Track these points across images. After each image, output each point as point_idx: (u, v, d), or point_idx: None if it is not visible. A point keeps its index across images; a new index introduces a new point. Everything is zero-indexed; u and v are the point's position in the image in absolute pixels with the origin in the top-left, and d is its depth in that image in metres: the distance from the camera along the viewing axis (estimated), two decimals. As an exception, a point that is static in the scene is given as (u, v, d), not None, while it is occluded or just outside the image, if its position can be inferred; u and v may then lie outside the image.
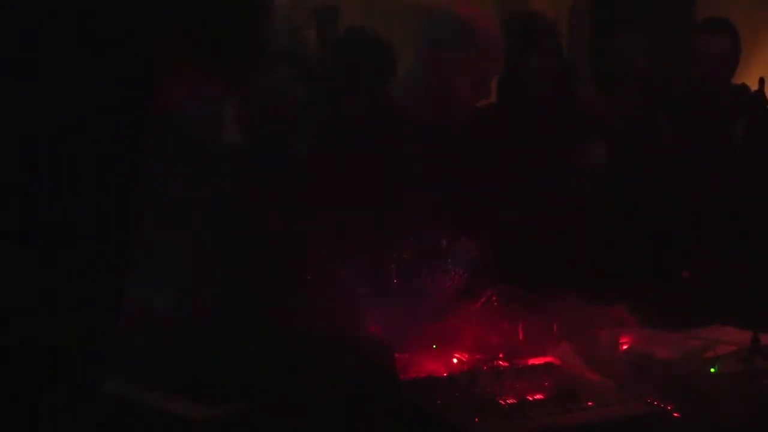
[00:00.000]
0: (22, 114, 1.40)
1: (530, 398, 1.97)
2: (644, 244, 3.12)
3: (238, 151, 2.96)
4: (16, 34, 1.43)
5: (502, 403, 1.93)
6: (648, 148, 3.39)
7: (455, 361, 2.16)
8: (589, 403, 1.94)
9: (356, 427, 1.84)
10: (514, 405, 1.93)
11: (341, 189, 2.43)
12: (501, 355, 2.17)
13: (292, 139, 2.90)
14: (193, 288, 2.17)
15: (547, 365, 2.14)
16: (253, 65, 1.69)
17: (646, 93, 3.49)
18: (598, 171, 3.18)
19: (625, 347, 2.32)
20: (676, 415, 1.93)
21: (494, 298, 2.26)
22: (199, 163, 2.54)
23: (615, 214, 3.10)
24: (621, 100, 3.55)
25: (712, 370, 2.17)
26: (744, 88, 3.65)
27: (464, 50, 2.52)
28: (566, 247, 2.79)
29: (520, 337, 2.25)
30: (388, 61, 3.34)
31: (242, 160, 2.85)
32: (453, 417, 1.87)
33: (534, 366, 2.13)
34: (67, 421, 1.44)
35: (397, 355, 2.11)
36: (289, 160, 2.80)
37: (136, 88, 1.46)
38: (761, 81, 3.62)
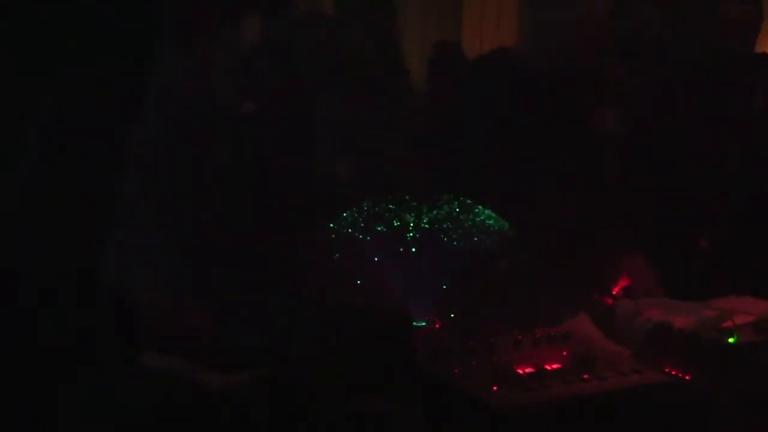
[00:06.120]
0: None
1: (548, 367, 1.97)
2: (661, 215, 3.10)
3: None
4: None
5: (520, 371, 1.94)
6: (664, 119, 3.36)
7: (473, 329, 2.16)
8: (607, 373, 1.95)
9: (372, 396, 1.85)
10: (532, 374, 1.93)
11: None
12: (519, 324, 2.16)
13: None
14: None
15: (564, 334, 2.14)
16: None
17: (662, 62, 3.45)
18: (614, 142, 3.16)
19: (642, 317, 2.31)
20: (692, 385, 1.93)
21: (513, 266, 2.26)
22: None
23: (631, 185, 3.08)
24: (638, 69, 3.51)
25: (731, 340, 2.16)
26: (765, 57, 3.60)
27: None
28: (583, 217, 2.77)
29: (539, 306, 2.25)
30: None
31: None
32: (470, 386, 1.87)
33: (552, 335, 2.13)
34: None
35: (414, 323, 2.11)
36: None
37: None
38: (783, 50, 3.57)
